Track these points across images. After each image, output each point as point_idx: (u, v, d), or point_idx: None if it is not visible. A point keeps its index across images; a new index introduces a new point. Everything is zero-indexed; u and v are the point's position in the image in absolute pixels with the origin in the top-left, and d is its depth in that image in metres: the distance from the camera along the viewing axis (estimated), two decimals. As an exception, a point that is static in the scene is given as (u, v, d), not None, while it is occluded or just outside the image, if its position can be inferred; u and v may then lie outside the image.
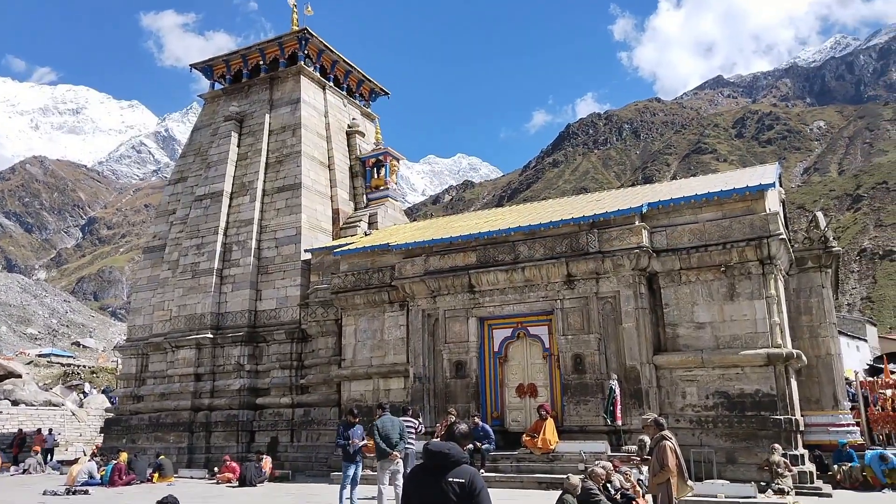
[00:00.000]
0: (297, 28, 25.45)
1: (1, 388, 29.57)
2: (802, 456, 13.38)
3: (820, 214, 17.03)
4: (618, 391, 13.56)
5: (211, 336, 21.19)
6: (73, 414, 28.70)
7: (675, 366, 14.55)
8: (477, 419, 14.39)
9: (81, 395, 33.77)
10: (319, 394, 19.58)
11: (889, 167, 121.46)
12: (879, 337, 43.06)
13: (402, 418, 11.71)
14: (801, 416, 14.86)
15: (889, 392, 16.08)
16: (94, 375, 47.24)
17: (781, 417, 13.45)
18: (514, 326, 16.37)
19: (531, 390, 15.97)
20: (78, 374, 46.64)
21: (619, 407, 13.45)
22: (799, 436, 14.14)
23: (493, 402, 16.26)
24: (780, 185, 19.61)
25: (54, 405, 29.99)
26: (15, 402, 28.98)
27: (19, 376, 30.65)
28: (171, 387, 21.45)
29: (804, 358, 14.76)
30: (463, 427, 4.31)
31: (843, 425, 14.79)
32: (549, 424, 13.62)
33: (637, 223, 15.02)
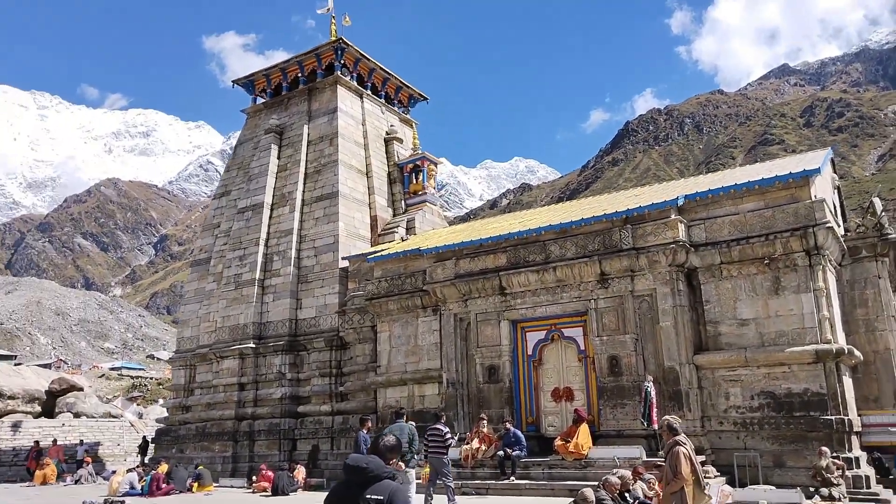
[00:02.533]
0: (334, 38, 25.66)
1: (64, 401, 30.81)
2: (857, 459, 12.41)
3: (876, 200, 15.86)
4: (653, 393, 12.90)
5: (253, 346, 21.47)
6: (132, 425, 29.64)
7: (717, 365, 13.77)
8: (509, 425, 13.98)
9: (142, 407, 34.91)
10: (357, 401, 19.53)
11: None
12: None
13: (432, 426, 11.41)
14: (859, 415, 13.85)
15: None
16: (160, 387, 48.88)
17: (833, 418, 12.52)
18: (547, 328, 15.87)
19: (567, 394, 15.43)
20: (145, 385, 48.33)
21: (654, 410, 12.79)
22: (855, 437, 13.15)
23: (527, 406, 15.79)
24: (834, 172, 18.48)
25: (113, 417, 31.08)
26: (77, 415, 30.17)
27: (81, 389, 31.91)
28: (215, 397, 21.83)
29: (858, 354, 13.73)
30: (390, 440, 3.97)
31: (906, 425, 13.65)
32: (583, 429, 13.08)
33: (673, 216, 14.32)
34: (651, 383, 13.05)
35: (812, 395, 12.85)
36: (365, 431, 11.65)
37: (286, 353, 21.20)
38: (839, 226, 15.22)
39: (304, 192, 23.51)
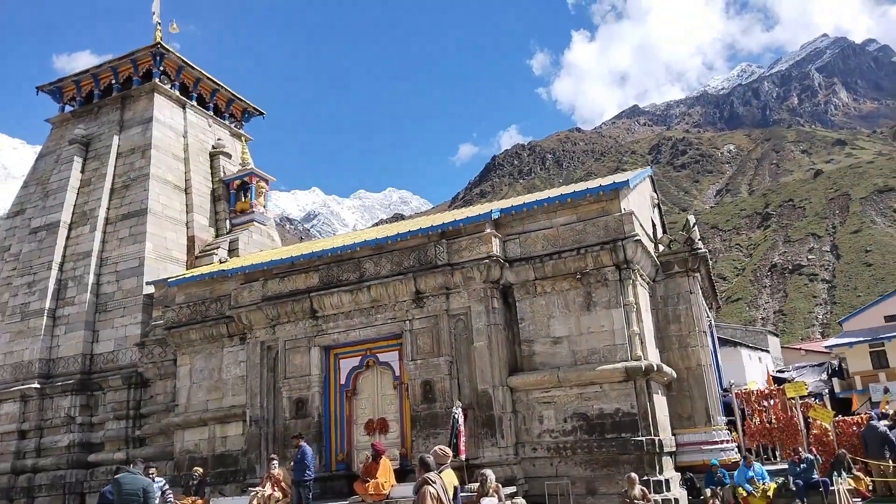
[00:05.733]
0: (152, 43, 23.38)
1: None
2: (668, 481, 11.97)
3: (691, 217, 16.05)
4: (461, 421, 11.87)
5: (38, 386, 18.49)
6: None
7: (530, 387, 13.03)
8: (301, 440, 12.26)
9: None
10: (156, 446, 17.14)
11: (794, 186, 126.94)
12: (782, 347, 43.37)
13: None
14: (673, 434, 13.58)
15: (767, 403, 14.99)
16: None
17: (643, 439, 12.05)
18: (362, 354, 14.56)
19: (381, 426, 14.13)
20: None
21: (462, 439, 11.76)
22: (667, 458, 12.79)
23: (338, 442, 14.31)
24: (655, 191, 18.75)
25: None
26: None
27: None
28: (-9, 447, 18.56)
29: (669, 370, 13.50)
30: None
31: (716, 442, 13.51)
32: (384, 465, 11.75)
33: (487, 230, 13.56)
34: (460, 410, 12.03)
35: (623, 416, 12.36)
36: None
37: (77, 394, 18.39)
38: (653, 242, 15.15)
39: (108, 209, 20.91)
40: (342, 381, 14.59)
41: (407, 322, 13.78)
